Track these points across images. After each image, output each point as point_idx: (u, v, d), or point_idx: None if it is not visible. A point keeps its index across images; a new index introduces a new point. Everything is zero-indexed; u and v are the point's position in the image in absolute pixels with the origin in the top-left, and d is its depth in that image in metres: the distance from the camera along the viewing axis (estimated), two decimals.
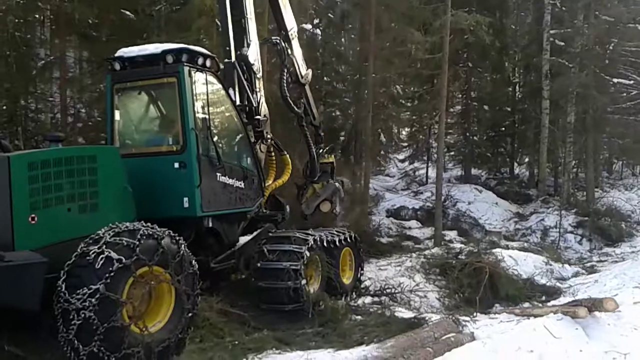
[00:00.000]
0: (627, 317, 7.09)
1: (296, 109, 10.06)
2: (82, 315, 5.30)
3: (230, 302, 7.75)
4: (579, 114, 20.78)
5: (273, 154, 9.62)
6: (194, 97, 7.37)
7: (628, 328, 6.86)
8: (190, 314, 6.21)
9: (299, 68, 10.25)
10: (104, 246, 5.54)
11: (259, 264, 8.17)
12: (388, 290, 9.86)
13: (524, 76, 25.09)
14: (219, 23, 12.80)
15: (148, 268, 5.78)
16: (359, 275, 10.05)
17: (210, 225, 7.65)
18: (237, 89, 8.55)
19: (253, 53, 8.90)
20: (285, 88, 9.78)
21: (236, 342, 6.87)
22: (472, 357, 5.73)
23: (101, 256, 5.46)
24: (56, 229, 5.92)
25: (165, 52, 7.34)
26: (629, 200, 21.22)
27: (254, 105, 8.76)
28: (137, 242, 5.69)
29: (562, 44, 21.33)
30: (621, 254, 15.71)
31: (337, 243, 9.38)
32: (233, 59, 8.62)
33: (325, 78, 17.44)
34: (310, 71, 10.64)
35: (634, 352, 6.23)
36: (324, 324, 7.83)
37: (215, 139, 7.64)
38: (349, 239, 9.80)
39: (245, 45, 8.88)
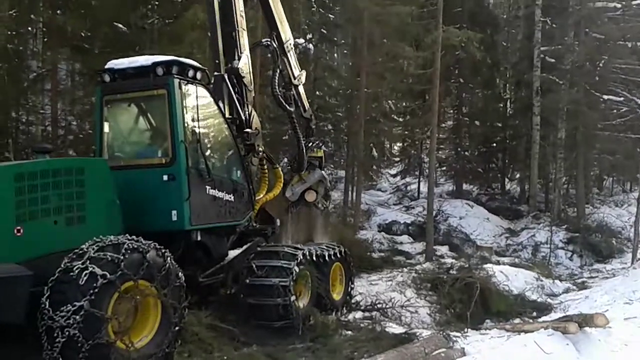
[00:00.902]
0: (618, 333, 7.09)
1: (287, 106, 9.91)
2: (67, 332, 5.20)
3: (219, 317, 7.63)
4: (569, 130, 20.93)
5: (265, 167, 9.55)
6: (184, 110, 7.30)
7: (618, 344, 6.86)
8: (177, 328, 6.11)
9: (291, 70, 10.20)
10: (88, 261, 5.43)
11: (247, 280, 8.03)
12: (379, 306, 9.80)
13: (515, 92, 25.29)
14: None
15: (133, 282, 5.67)
16: (349, 290, 9.91)
17: (199, 238, 7.52)
18: (226, 102, 8.50)
19: (244, 65, 8.83)
20: (277, 87, 9.67)
21: (225, 358, 6.79)
22: None
23: (85, 272, 5.35)
24: (43, 241, 5.82)
25: (155, 64, 7.26)
26: (619, 217, 21.31)
27: (244, 117, 8.71)
28: (122, 257, 5.58)
29: (553, 60, 21.53)
30: (612, 270, 15.75)
31: (327, 258, 9.21)
32: (222, 71, 8.58)
33: (317, 92, 17.51)
34: (304, 72, 10.56)
35: None
36: (314, 339, 7.75)
37: (205, 151, 7.54)
38: (339, 254, 9.63)
39: (237, 57, 8.81)
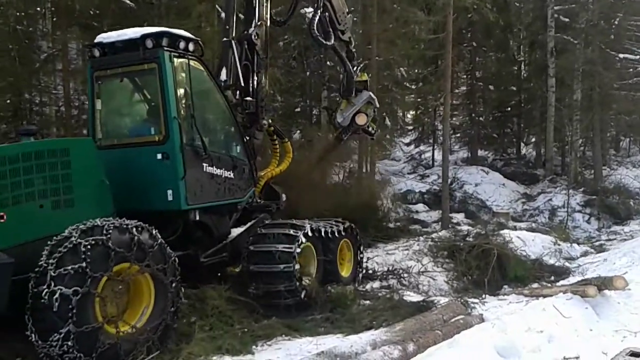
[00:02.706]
0: (637, 295, 7.08)
1: (327, 43, 9.58)
2: (54, 319, 5.11)
3: (239, 291, 7.70)
4: (585, 91, 20.62)
5: (275, 141, 9.41)
6: (176, 84, 7.02)
7: (638, 306, 6.85)
8: (173, 307, 6.04)
9: (335, 15, 9.78)
10: (72, 247, 5.29)
11: (250, 267, 7.71)
12: (396, 274, 9.82)
13: (529, 54, 24.91)
14: (219, 9, 12.77)
15: (122, 264, 5.55)
16: (358, 267, 9.47)
17: (198, 218, 7.30)
18: (230, 68, 8.23)
19: (259, 34, 8.61)
20: (315, 28, 9.31)
21: (245, 330, 6.86)
22: (481, 338, 5.70)
23: (69, 258, 5.21)
24: (28, 226, 5.66)
25: (144, 37, 6.95)
26: (637, 178, 21.11)
27: (251, 86, 8.46)
28: (107, 239, 5.42)
29: (567, 20, 21.11)
30: (630, 232, 15.65)
31: (333, 235, 8.74)
32: (231, 37, 8.33)
33: (328, 63, 17.29)
34: (350, 17, 10.25)
35: None
36: (332, 310, 7.80)
37: (200, 127, 7.25)
38: (345, 231, 9.14)
39: (253, 25, 8.62)
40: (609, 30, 20.43)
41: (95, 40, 7.36)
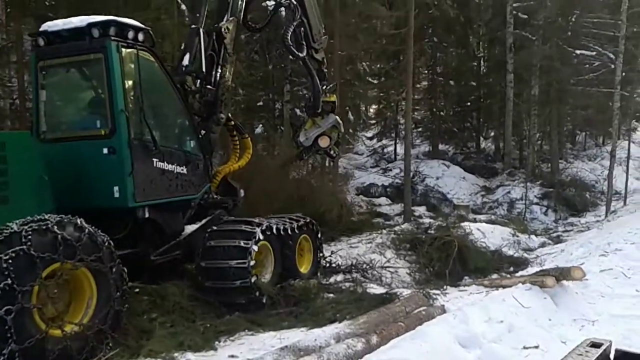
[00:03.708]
0: (594, 285, 7.26)
1: (299, 53, 9.40)
2: None
3: (199, 288, 7.56)
4: (543, 86, 21.08)
5: (235, 136, 9.18)
6: (124, 75, 6.70)
7: (595, 296, 7.03)
8: (117, 289, 5.80)
9: (311, 31, 9.65)
10: None
11: (202, 264, 7.45)
12: (359, 267, 9.86)
13: (489, 50, 25.29)
14: (179, 1, 12.55)
15: (52, 266, 5.25)
16: (318, 262, 9.26)
17: (147, 215, 6.98)
18: (193, 54, 7.93)
19: (230, 28, 8.45)
20: (288, 37, 9.13)
21: (208, 325, 6.77)
22: (443, 329, 5.76)
23: None
24: None
25: (90, 25, 6.63)
26: (592, 171, 21.70)
27: (214, 77, 8.26)
28: (28, 247, 5.04)
29: (525, 16, 21.50)
30: (586, 223, 16.09)
31: (292, 231, 8.47)
32: (200, 25, 8.11)
33: (291, 57, 17.21)
34: (326, 38, 10.15)
35: (602, 319, 6.38)
36: (296, 304, 7.77)
37: (150, 121, 6.92)
38: (305, 226, 8.92)
39: (225, 19, 8.47)
40: (566, 27, 20.88)
41: (40, 29, 7.05)
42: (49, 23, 7.07)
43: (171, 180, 7.39)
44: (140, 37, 6.98)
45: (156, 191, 7.09)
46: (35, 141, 6.48)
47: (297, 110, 10.38)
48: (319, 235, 9.37)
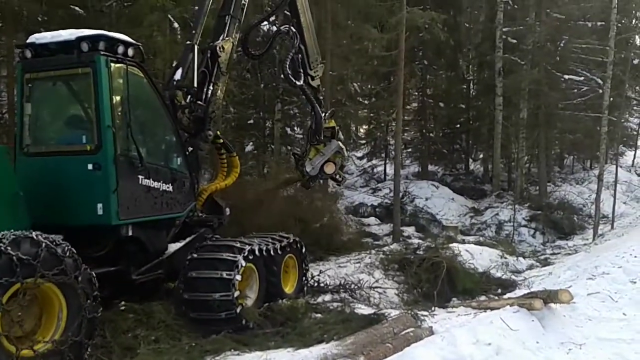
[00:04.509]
0: (582, 308, 7.25)
1: (296, 82, 9.62)
2: None
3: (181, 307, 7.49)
4: (531, 110, 21.29)
5: (223, 155, 9.15)
6: (112, 91, 6.65)
7: (583, 319, 7.02)
8: (88, 296, 5.70)
9: (308, 59, 9.90)
10: None
11: (185, 296, 7.24)
12: (347, 287, 9.81)
13: (478, 73, 25.55)
14: (171, 19, 12.61)
15: (12, 288, 5.12)
16: (303, 282, 9.23)
17: (130, 233, 6.89)
18: (186, 70, 7.98)
19: (225, 48, 8.50)
20: (287, 67, 9.41)
21: (193, 344, 6.70)
22: (431, 351, 5.74)
23: None
24: None
25: (79, 39, 6.59)
26: (580, 194, 21.81)
27: (205, 94, 8.25)
28: None
29: (515, 41, 21.80)
30: (574, 246, 16.12)
31: (276, 251, 8.37)
32: (195, 41, 8.17)
33: (282, 76, 17.30)
34: (322, 66, 10.39)
35: (589, 343, 6.37)
36: (283, 323, 7.71)
37: (137, 137, 6.85)
38: (290, 246, 8.86)
39: (221, 39, 8.52)
40: (554, 52, 21.16)
41: (28, 41, 6.99)
42: (36, 35, 7.04)
43: (156, 198, 7.28)
44: (130, 52, 6.95)
45: (141, 209, 6.99)
46: (8, 157, 6.33)
47: (288, 129, 10.45)
48: (305, 254, 9.29)
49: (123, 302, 6.97)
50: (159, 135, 7.84)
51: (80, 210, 6.53)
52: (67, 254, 5.64)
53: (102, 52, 6.63)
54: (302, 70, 9.75)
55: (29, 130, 7.07)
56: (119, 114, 6.82)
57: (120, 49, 6.82)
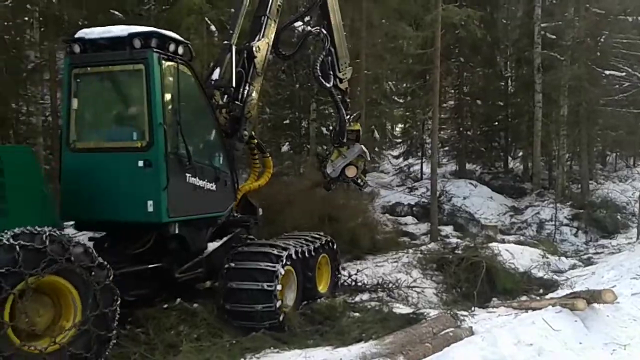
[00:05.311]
0: (626, 308, 7.08)
1: (326, 84, 9.63)
2: None
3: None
4: (572, 106, 20.84)
5: (256, 155, 9.18)
6: (164, 88, 6.67)
7: (627, 319, 6.85)
8: (99, 283, 5.62)
9: (337, 61, 9.92)
10: None
11: (229, 284, 7.32)
12: (385, 286, 9.79)
13: (516, 70, 25.11)
14: (208, 22, 12.79)
15: (18, 286, 5.10)
16: (336, 281, 9.35)
17: (177, 231, 6.93)
18: (224, 69, 8.05)
19: (261, 48, 8.55)
20: (317, 69, 9.46)
21: (234, 342, 6.80)
22: (471, 351, 5.69)
23: None
24: None
25: (132, 36, 6.59)
26: (623, 192, 21.27)
27: (241, 94, 8.31)
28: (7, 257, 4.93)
29: (554, 37, 21.37)
30: (617, 245, 15.73)
31: (313, 252, 8.49)
32: (232, 41, 8.22)
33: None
34: (350, 68, 10.40)
35: (634, 343, 6.22)
36: (322, 322, 7.75)
37: (186, 135, 6.86)
38: (325, 246, 8.99)
39: (257, 39, 8.60)
40: (594, 48, 20.70)
41: (76, 35, 6.98)
42: (85, 30, 7.06)
43: (202, 197, 7.32)
44: (181, 50, 6.99)
45: (188, 207, 7.04)
46: (34, 157, 6.41)
47: (323, 129, 10.48)
48: (336, 251, 9.37)
49: (165, 302, 7.09)
50: (205, 134, 7.85)
51: (130, 207, 6.56)
52: (72, 243, 5.59)
53: (154, 49, 6.64)
54: (331, 73, 9.78)
55: (75, 125, 7.08)
56: (170, 111, 6.83)
57: (172, 47, 6.85)
